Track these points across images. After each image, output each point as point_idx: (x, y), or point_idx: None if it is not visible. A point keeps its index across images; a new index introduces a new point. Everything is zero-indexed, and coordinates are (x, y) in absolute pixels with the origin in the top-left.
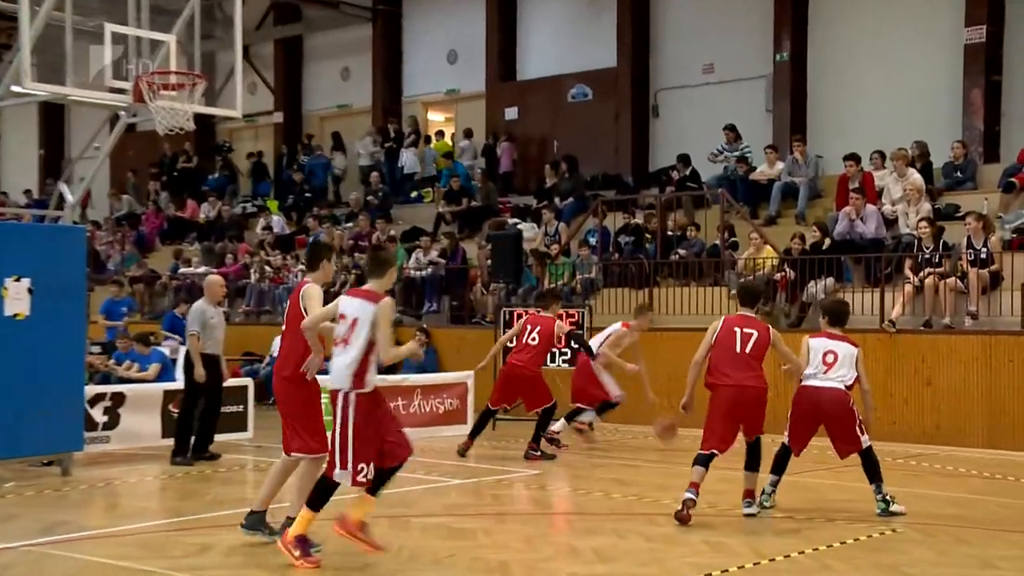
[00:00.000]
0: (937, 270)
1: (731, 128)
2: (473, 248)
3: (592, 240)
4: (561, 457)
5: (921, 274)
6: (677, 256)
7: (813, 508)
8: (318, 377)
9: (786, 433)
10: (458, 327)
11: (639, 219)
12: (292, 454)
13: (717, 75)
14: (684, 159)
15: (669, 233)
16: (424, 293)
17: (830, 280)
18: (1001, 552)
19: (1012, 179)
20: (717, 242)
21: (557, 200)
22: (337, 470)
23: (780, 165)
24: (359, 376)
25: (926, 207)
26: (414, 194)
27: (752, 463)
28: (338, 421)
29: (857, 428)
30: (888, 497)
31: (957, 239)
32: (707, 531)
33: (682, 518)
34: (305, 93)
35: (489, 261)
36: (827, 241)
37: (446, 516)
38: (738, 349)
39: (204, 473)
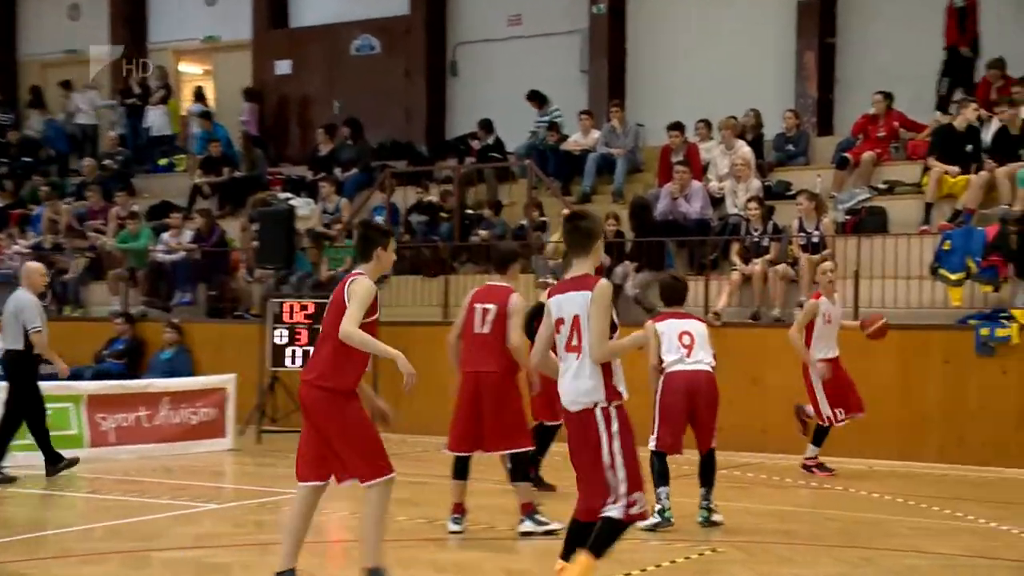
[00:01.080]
0: (766, 256)
1: (534, 96)
2: (235, 227)
3: (379, 218)
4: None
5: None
6: (478, 238)
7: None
8: None
9: (653, 437)
10: (217, 322)
11: (434, 195)
12: (350, 481)
13: (525, 28)
14: (486, 125)
15: (469, 211)
16: (175, 281)
17: (642, 275)
18: (826, 570)
19: (846, 154)
20: (524, 222)
21: (338, 171)
22: (613, 503)
23: (596, 134)
24: (609, 383)
25: (755, 184)
26: (164, 162)
27: (516, 475)
28: (605, 446)
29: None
30: (712, 505)
31: (788, 221)
32: (508, 556)
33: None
34: (21, 34)
35: (255, 243)
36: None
37: (196, 549)
38: (476, 328)
39: None
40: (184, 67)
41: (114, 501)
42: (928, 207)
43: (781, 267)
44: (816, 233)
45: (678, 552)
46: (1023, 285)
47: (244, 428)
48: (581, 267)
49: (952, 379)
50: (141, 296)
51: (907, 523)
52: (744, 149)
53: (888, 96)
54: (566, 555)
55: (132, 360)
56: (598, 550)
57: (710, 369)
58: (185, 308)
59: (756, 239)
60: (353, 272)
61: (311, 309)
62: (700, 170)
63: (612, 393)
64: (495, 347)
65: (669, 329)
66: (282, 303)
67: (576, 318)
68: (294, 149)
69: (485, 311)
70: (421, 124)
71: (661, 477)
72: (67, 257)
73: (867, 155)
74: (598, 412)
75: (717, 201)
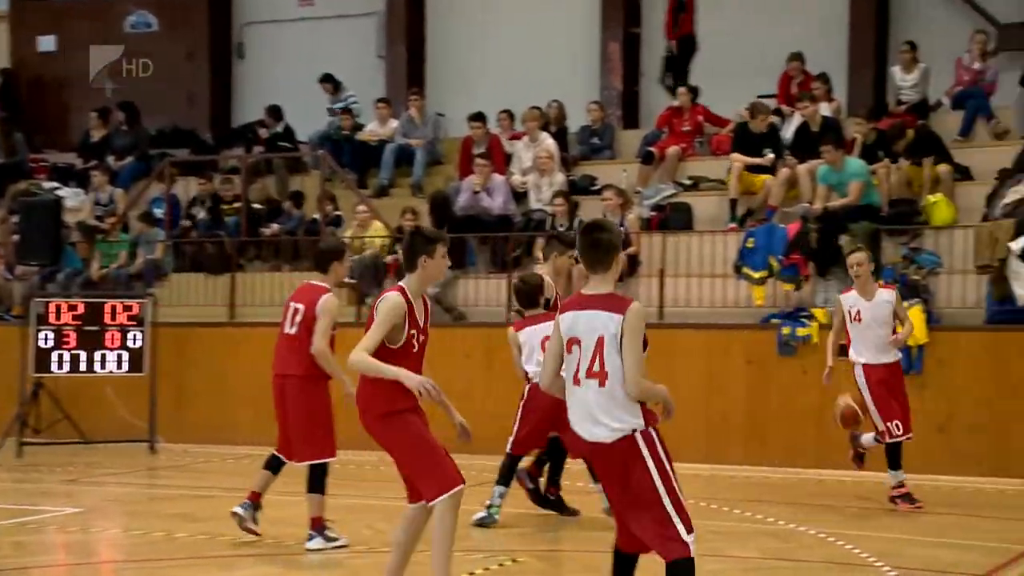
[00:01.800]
0: (571, 253)
1: (327, 79)
2: None
3: (158, 211)
4: (112, 491)
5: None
6: (267, 234)
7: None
8: None
9: (512, 439)
10: None
11: (217, 186)
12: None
13: (317, 8)
14: (275, 111)
15: (257, 205)
16: None
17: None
18: None
19: (651, 148)
20: (317, 216)
21: (112, 159)
22: (673, 539)
23: (394, 124)
24: (643, 404)
25: (560, 178)
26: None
27: (312, 485)
28: (654, 472)
29: None
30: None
31: (594, 216)
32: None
33: None
34: None
35: (15, 237)
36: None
37: None
38: (285, 329)
39: None
40: None
41: None
42: (733, 203)
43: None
44: (622, 229)
45: (477, 563)
46: (823, 284)
47: (2, 440)
48: (604, 284)
49: (755, 379)
50: None
51: (709, 527)
52: (548, 141)
53: (693, 90)
54: None
55: None
56: None
57: None
58: None
59: (561, 234)
60: (395, 286)
61: (80, 309)
62: (503, 163)
63: (649, 415)
64: (300, 349)
65: (530, 338)
66: (47, 303)
67: (601, 340)
68: (61, 134)
69: (296, 311)
70: (205, 110)
71: (504, 478)
72: None
73: (672, 150)
74: (639, 438)
75: (520, 196)
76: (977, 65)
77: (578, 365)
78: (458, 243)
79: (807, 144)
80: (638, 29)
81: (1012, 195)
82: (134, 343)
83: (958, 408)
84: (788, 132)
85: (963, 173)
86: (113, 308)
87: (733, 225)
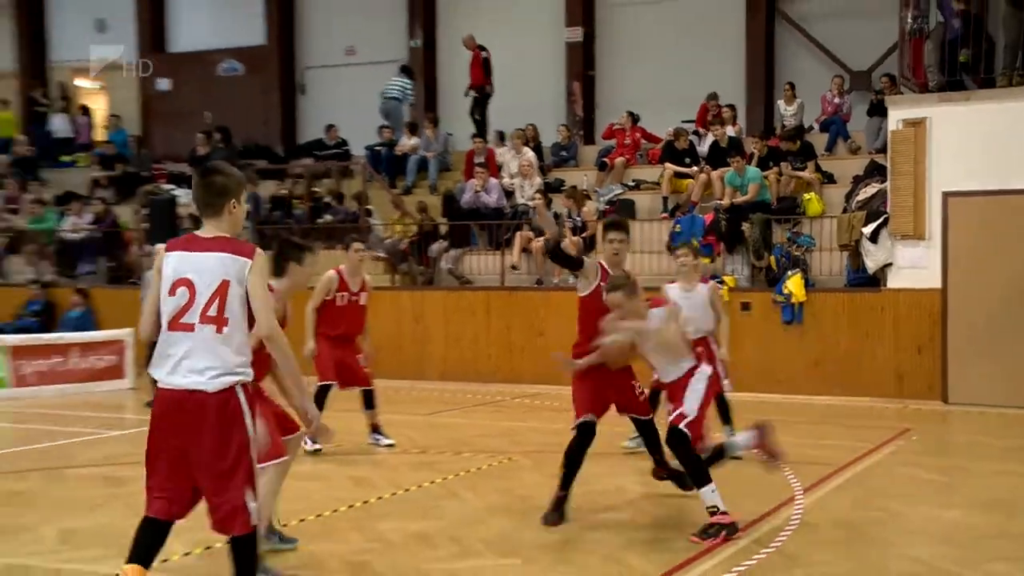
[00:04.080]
0: (545, 236)
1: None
2: (128, 212)
3: (246, 206)
4: None
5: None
6: (322, 222)
7: (446, 444)
8: None
9: None
10: (115, 287)
11: (286, 188)
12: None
13: (358, 57)
14: (331, 131)
15: (326, 201)
16: (80, 255)
17: (453, 252)
18: (594, 471)
19: (605, 159)
20: (355, 209)
21: None
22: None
23: (416, 140)
24: None
25: (538, 181)
26: (67, 158)
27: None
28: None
29: None
30: None
31: (562, 209)
32: (351, 467)
33: None
34: None
35: (145, 225)
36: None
37: (104, 466)
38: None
39: None
40: (81, 82)
41: (35, 430)
42: (665, 200)
43: (566, 242)
44: (579, 220)
45: (483, 461)
46: (731, 258)
47: (140, 371)
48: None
49: None
50: (52, 267)
51: None
52: (529, 154)
53: (632, 115)
54: None
55: (45, 318)
56: None
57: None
58: (88, 276)
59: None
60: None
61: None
62: (496, 169)
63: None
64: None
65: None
66: None
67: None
68: (175, 150)
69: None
70: (277, 131)
71: None
72: None
73: (619, 160)
74: None
75: (509, 193)
76: (837, 100)
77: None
78: (464, 228)
79: (718, 156)
80: (593, 72)
81: (863, 194)
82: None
83: (827, 348)
84: (704, 147)
85: (828, 178)
86: None
87: (665, 215)
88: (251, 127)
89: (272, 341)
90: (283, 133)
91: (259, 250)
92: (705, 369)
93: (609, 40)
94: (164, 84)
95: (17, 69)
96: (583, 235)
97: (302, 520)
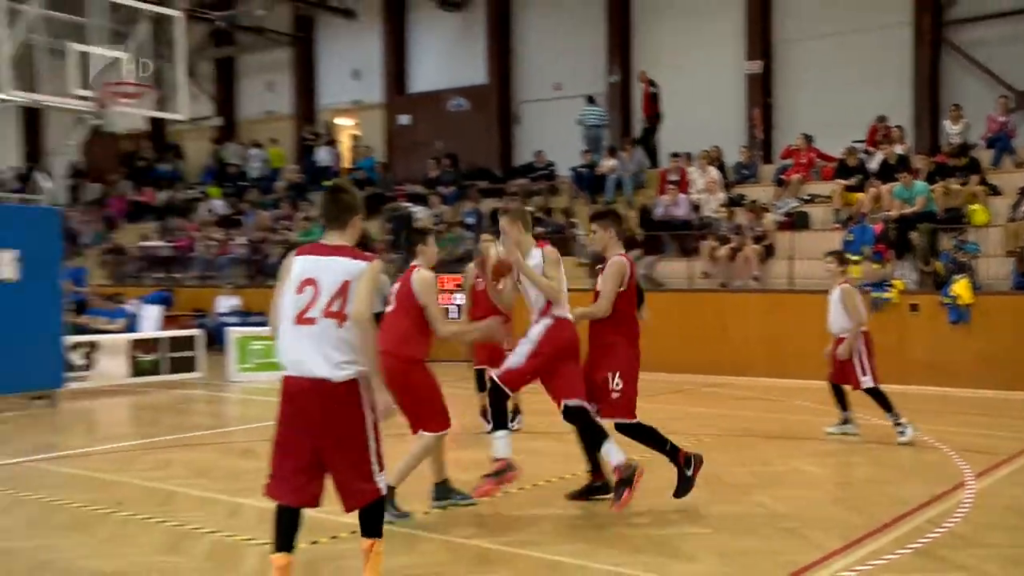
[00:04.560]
0: (730, 245)
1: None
2: (374, 227)
3: (470, 220)
4: None
5: (719, 247)
6: (534, 233)
7: None
8: None
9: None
10: None
11: (504, 203)
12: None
13: (565, 91)
14: (541, 155)
15: (537, 216)
16: None
17: (647, 259)
18: (772, 454)
19: (783, 176)
20: (562, 222)
21: (442, 188)
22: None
23: (613, 162)
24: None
25: (722, 196)
26: (328, 183)
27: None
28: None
29: None
30: None
31: (744, 221)
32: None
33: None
34: (238, 101)
35: (388, 236)
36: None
37: None
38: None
39: (164, 403)
40: (340, 120)
41: None
42: (837, 212)
43: (747, 250)
44: (760, 230)
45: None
46: (900, 264)
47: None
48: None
49: None
50: None
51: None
52: (714, 172)
53: (807, 137)
54: None
55: None
56: None
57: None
58: None
59: (724, 232)
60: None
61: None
62: (685, 186)
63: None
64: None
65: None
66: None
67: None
68: (413, 174)
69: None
70: (495, 156)
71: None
72: (267, 246)
73: (795, 176)
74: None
75: (696, 207)
76: (1002, 118)
77: None
78: (657, 238)
79: (887, 173)
80: (771, 99)
81: None
82: (458, 302)
83: (995, 346)
84: (874, 164)
85: (994, 190)
86: (444, 280)
87: (838, 225)
88: (474, 153)
89: (357, 325)
90: (501, 158)
91: (377, 259)
92: (533, 332)
93: (785, 71)
94: (404, 119)
95: (293, 113)
96: (763, 244)
97: (521, 488)
